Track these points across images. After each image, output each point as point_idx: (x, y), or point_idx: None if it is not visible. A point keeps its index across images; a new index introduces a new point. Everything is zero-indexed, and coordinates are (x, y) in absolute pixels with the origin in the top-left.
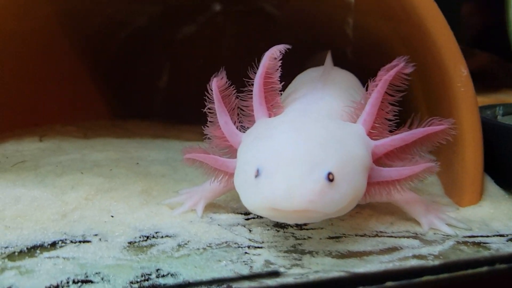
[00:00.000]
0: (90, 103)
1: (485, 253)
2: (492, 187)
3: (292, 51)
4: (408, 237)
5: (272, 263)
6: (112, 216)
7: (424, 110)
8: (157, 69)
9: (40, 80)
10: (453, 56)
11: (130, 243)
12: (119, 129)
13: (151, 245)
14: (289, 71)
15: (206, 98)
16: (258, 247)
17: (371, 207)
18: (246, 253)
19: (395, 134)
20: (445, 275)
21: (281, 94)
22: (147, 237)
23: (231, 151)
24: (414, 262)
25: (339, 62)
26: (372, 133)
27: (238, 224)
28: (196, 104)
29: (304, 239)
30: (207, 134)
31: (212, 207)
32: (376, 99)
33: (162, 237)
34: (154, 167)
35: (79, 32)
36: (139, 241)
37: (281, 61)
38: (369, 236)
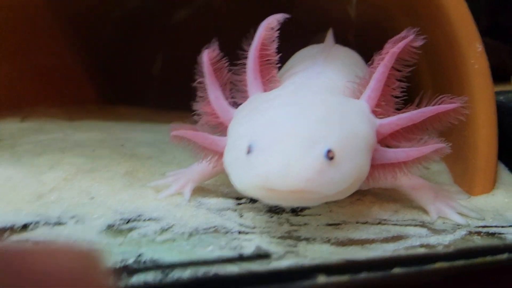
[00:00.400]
0: (78, 87)
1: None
2: (506, 175)
3: (290, 30)
4: (414, 225)
5: (264, 250)
6: (92, 198)
7: (430, 89)
8: (151, 55)
9: (25, 62)
10: (468, 30)
11: (109, 226)
12: (107, 113)
13: (132, 229)
14: (287, 51)
15: (196, 71)
16: (249, 232)
17: (373, 194)
18: (236, 238)
19: (402, 113)
20: (461, 262)
21: (279, 68)
22: (128, 220)
23: (222, 129)
24: (422, 252)
25: (340, 41)
26: (377, 111)
27: (229, 208)
28: (191, 92)
29: (300, 225)
30: (196, 110)
31: (201, 191)
32: (382, 74)
33: (144, 220)
34: (141, 148)
35: (68, 11)
36: (119, 224)
37: (278, 32)
38: (372, 224)
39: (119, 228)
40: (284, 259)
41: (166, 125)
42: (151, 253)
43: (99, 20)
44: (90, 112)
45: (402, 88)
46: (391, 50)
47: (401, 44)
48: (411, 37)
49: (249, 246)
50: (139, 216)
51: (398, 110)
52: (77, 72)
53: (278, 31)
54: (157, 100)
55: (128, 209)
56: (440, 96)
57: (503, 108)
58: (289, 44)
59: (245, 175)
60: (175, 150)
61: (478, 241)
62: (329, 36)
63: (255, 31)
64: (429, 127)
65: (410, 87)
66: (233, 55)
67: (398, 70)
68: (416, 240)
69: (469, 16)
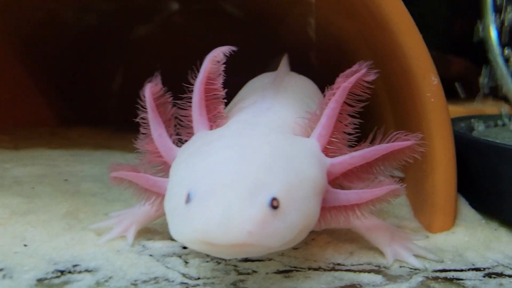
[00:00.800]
0: (31, 108)
1: None
2: (467, 210)
3: (246, 54)
4: (369, 271)
5: None
6: (26, 245)
7: (391, 123)
8: (110, 72)
9: None
10: (422, 62)
11: (39, 280)
12: (58, 138)
13: (65, 283)
14: (242, 77)
15: (139, 106)
16: (192, 285)
17: (329, 233)
18: None
19: (355, 151)
20: None
21: (226, 103)
22: (62, 272)
23: (166, 169)
24: None
25: (297, 67)
26: (329, 149)
27: (174, 254)
28: None
29: (248, 273)
30: (138, 148)
31: (147, 232)
32: (334, 110)
33: (80, 272)
34: (85, 184)
35: (17, 28)
36: (50, 278)
37: (225, 65)
38: (324, 270)
39: (50, 282)
40: None
41: (119, 154)
42: None
43: (53, 37)
44: (39, 138)
45: (355, 124)
46: (343, 85)
47: (353, 79)
48: (363, 71)
49: None
50: (74, 266)
51: (352, 147)
52: (28, 92)
53: (224, 64)
54: (118, 120)
55: (64, 258)
56: (395, 133)
57: (463, 138)
58: (244, 70)
59: (183, 228)
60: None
61: None
62: (284, 62)
63: (201, 63)
64: (384, 165)
65: (371, 121)
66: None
67: (351, 105)
68: None
69: (423, 48)
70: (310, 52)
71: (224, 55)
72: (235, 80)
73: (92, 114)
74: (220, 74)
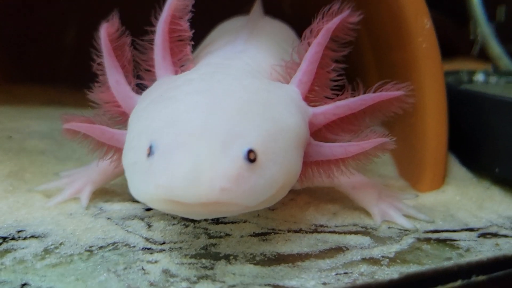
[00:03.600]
0: None
1: (455, 258)
2: (457, 169)
3: None
4: (355, 232)
5: (172, 275)
6: None
7: (373, 72)
8: (61, 26)
9: None
10: (415, 4)
11: None
12: (2, 93)
13: (6, 251)
14: (210, 22)
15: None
16: (157, 251)
17: (308, 193)
18: (138, 259)
19: (339, 100)
20: None
21: (194, 46)
22: (4, 239)
23: (125, 120)
24: (364, 269)
25: (271, 12)
26: (310, 98)
27: (135, 217)
28: None
29: (220, 237)
30: (93, 98)
31: (104, 193)
32: (315, 54)
33: (25, 238)
34: (32, 141)
35: None
36: None
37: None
38: (306, 232)
39: None
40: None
41: (72, 109)
42: None
43: None
44: None
45: (339, 70)
46: (325, 27)
47: (336, 20)
48: (347, 11)
49: (153, 270)
50: (19, 232)
51: (335, 97)
52: None
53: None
54: (70, 77)
55: (7, 223)
56: (383, 82)
57: (452, 92)
58: (209, 15)
59: (144, 185)
60: (75, 143)
61: (429, 251)
62: (257, 6)
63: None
64: (370, 117)
65: (351, 69)
66: None
67: (334, 50)
68: (357, 253)
69: None
70: None
71: None
72: (202, 24)
73: (41, 71)
74: (187, 12)
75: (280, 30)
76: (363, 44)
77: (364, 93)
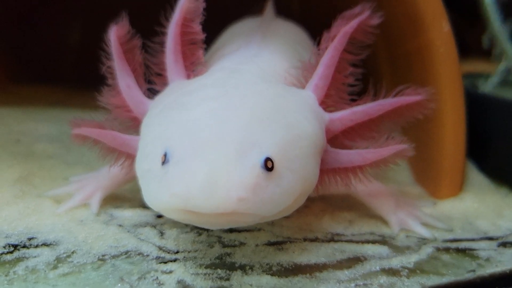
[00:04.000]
0: None
1: (475, 268)
2: (475, 175)
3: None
4: (373, 241)
5: (188, 286)
6: None
7: (388, 77)
8: (67, 25)
9: None
10: (432, 5)
11: None
12: (8, 94)
13: (19, 260)
14: (221, 23)
15: (103, 53)
16: (171, 260)
17: (323, 200)
18: (153, 270)
19: (357, 106)
20: None
21: (206, 49)
22: (15, 247)
23: (137, 125)
24: (383, 280)
25: (282, 13)
26: (327, 103)
27: (147, 224)
28: None
29: (235, 246)
30: (103, 103)
31: (114, 199)
32: (332, 58)
33: (36, 246)
34: (40, 145)
35: None
36: (1, 254)
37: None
38: (323, 241)
39: (1, 259)
40: None
41: (80, 111)
42: None
43: None
44: None
45: (357, 75)
46: (343, 29)
47: (355, 23)
48: (367, 13)
49: (168, 281)
50: (30, 239)
51: (352, 102)
52: None
53: (204, 2)
54: (77, 77)
55: (18, 230)
56: (402, 87)
57: (469, 96)
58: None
59: (159, 193)
60: (84, 147)
61: (449, 261)
62: (269, 7)
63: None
64: (389, 123)
65: (365, 74)
66: None
67: (352, 53)
68: (375, 263)
69: None
70: None
71: None
72: (213, 25)
73: (47, 71)
74: (199, 14)
75: (293, 32)
76: (379, 48)
77: (383, 98)
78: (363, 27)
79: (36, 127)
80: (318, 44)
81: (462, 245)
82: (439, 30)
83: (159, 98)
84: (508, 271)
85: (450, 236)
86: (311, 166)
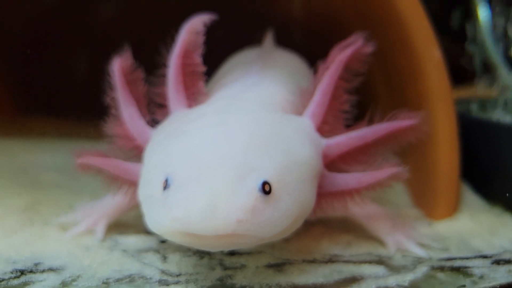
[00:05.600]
0: None
1: (468, 285)
2: (470, 196)
3: (225, 29)
4: (370, 261)
5: None
6: None
7: (385, 102)
8: (74, 57)
9: None
10: (423, 33)
11: None
12: (16, 126)
13: (25, 284)
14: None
15: (107, 84)
16: (173, 283)
17: (323, 223)
18: None
19: (352, 131)
20: None
21: (207, 80)
22: (22, 272)
23: (139, 153)
24: None
25: (280, 44)
26: (324, 129)
27: (150, 249)
28: None
29: (236, 268)
30: (107, 132)
31: (119, 226)
32: (328, 86)
33: (43, 271)
34: (47, 174)
35: None
36: (8, 279)
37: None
38: (321, 262)
39: (8, 284)
40: None
41: (86, 142)
42: None
43: (8, 19)
44: None
45: (352, 101)
46: (338, 58)
47: (349, 51)
48: (360, 42)
49: None
50: (36, 265)
51: (348, 127)
52: None
53: (204, 36)
54: (83, 109)
55: (24, 256)
56: (395, 111)
57: (462, 119)
58: (221, 47)
59: (161, 218)
60: (89, 176)
61: (443, 279)
62: (269, 37)
63: (177, 33)
64: (384, 147)
65: (362, 99)
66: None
67: (347, 81)
68: (371, 282)
69: (424, 18)
70: (294, 26)
71: (204, 25)
72: (214, 56)
73: (54, 103)
74: (199, 46)
75: (292, 61)
76: (374, 73)
77: (378, 123)
78: (357, 56)
79: (43, 157)
80: (315, 72)
81: (457, 263)
82: (431, 57)
83: (161, 127)
84: (498, 286)
85: (445, 255)
86: (307, 190)
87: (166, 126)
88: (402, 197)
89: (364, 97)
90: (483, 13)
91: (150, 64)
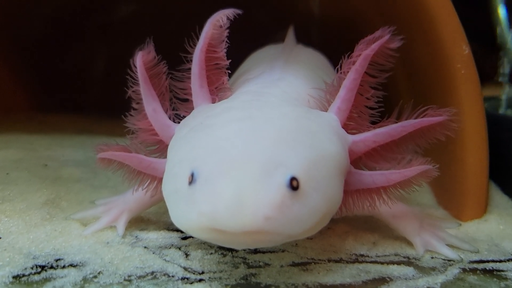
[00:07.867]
0: (3, 94)
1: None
2: (498, 197)
3: (247, 27)
4: (398, 262)
5: None
6: (0, 238)
7: (406, 98)
8: (91, 55)
9: None
10: (452, 28)
11: (15, 277)
12: (36, 122)
13: (46, 280)
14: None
15: (129, 78)
16: (196, 280)
17: (346, 221)
18: None
19: (379, 127)
20: None
21: (230, 74)
22: (43, 268)
23: (162, 149)
24: None
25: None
26: (349, 125)
27: (172, 245)
28: None
29: (260, 267)
30: (129, 127)
31: (139, 222)
32: (354, 81)
33: (63, 267)
34: (67, 169)
35: None
36: (29, 274)
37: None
38: (347, 262)
39: (29, 279)
40: None
41: (105, 138)
42: None
43: (27, 18)
44: (15, 122)
45: (378, 97)
46: (364, 53)
47: (375, 46)
48: (387, 37)
49: None
50: (57, 260)
51: (374, 124)
52: (2, 76)
53: (228, 30)
54: (99, 107)
55: (45, 251)
56: (423, 108)
57: (490, 118)
58: (243, 44)
59: (187, 213)
60: (110, 171)
61: (474, 281)
62: (290, 34)
63: (201, 29)
64: (411, 144)
65: (385, 96)
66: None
67: (373, 76)
68: (402, 284)
69: (454, 14)
70: (315, 24)
71: (228, 19)
72: (236, 53)
73: (73, 100)
74: (223, 40)
75: (314, 57)
76: (397, 69)
77: (406, 118)
78: (384, 50)
79: (63, 153)
80: (340, 67)
81: (489, 266)
82: (460, 53)
83: (185, 121)
84: None
85: (476, 257)
86: (335, 186)
87: (191, 121)
88: (426, 196)
89: (386, 94)
90: (503, 14)
91: (172, 60)
